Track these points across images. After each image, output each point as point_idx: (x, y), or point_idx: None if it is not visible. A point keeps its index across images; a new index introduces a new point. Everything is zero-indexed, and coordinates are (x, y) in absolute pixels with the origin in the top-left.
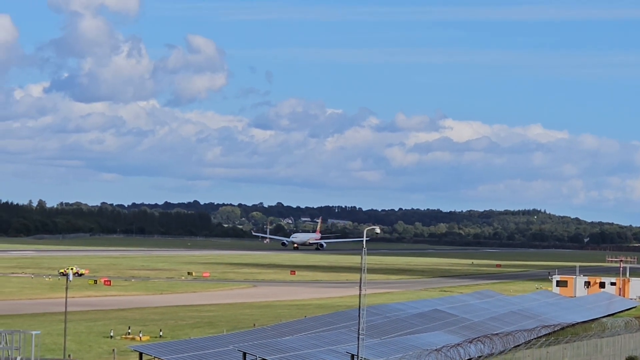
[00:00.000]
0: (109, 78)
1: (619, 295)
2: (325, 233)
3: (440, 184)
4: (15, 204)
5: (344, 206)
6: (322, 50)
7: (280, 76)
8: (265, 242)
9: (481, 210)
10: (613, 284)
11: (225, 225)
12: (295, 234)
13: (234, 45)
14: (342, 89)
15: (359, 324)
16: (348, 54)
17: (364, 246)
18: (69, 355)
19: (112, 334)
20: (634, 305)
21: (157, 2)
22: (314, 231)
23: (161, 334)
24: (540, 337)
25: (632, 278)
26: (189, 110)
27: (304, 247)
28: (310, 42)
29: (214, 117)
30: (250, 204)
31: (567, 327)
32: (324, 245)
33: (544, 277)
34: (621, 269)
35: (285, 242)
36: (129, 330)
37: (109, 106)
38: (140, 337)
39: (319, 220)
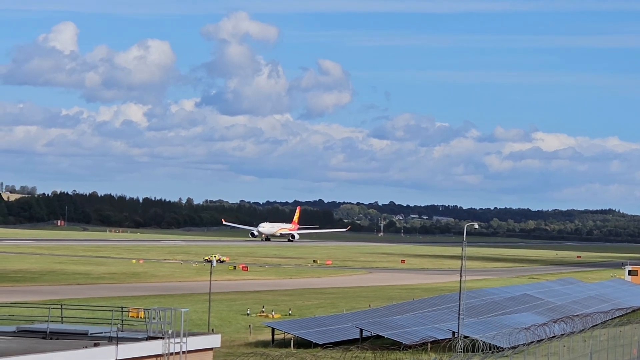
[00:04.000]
0: (250, 95)
1: None
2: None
3: (530, 186)
4: (168, 200)
5: (447, 205)
6: (433, 72)
7: (397, 94)
8: (379, 235)
9: (565, 209)
10: None
11: (345, 221)
12: (262, 223)
13: (358, 67)
14: (450, 105)
15: (459, 306)
16: (455, 75)
17: (464, 239)
18: (212, 330)
19: (248, 312)
20: None
21: (294, 31)
22: (304, 222)
23: (290, 312)
24: (615, 318)
25: None
26: (317, 122)
27: (275, 238)
28: (424, 65)
29: (339, 129)
30: (367, 203)
31: (638, 310)
32: (296, 236)
33: (618, 267)
34: None
35: (255, 232)
36: (263, 309)
37: (250, 119)
38: (272, 315)
39: (297, 211)
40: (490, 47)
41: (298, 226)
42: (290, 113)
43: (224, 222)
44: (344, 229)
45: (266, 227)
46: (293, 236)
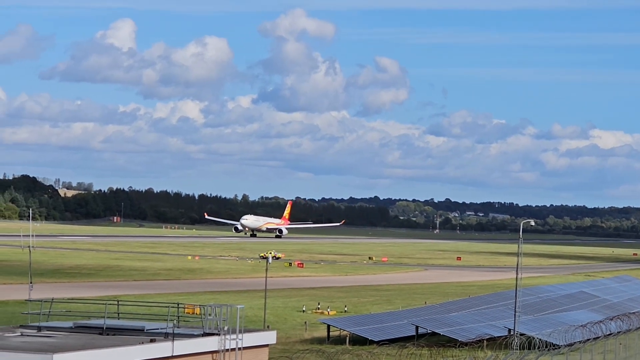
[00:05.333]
0: (307, 92)
1: None
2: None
3: (586, 184)
4: (223, 197)
5: (503, 202)
6: (490, 69)
7: (454, 91)
8: (435, 232)
9: (621, 206)
10: None
11: (401, 218)
12: (246, 216)
13: (416, 64)
14: (507, 103)
15: (515, 303)
16: (512, 72)
17: (520, 236)
18: (268, 326)
19: (304, 309)
20: None
21: (351, 28)
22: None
23: (346, 309)
24: None
25: None
26: (374, 119)
27: (262, 233)
28: (481, 62)
29: (395, 126)
30: (422, 200)
31: None
32: (284, 231)
33: None
34: None
35: (238, 227)
36: (319, 306)
37: (306, 115)
38: (328, 312)
39: (288, 205)
40: (547, 45)
41: (288, 221)
42: (346, 110)
43: (206, 216)
44: (338, 224)
45: (249, 220)
46: (281, 231)
